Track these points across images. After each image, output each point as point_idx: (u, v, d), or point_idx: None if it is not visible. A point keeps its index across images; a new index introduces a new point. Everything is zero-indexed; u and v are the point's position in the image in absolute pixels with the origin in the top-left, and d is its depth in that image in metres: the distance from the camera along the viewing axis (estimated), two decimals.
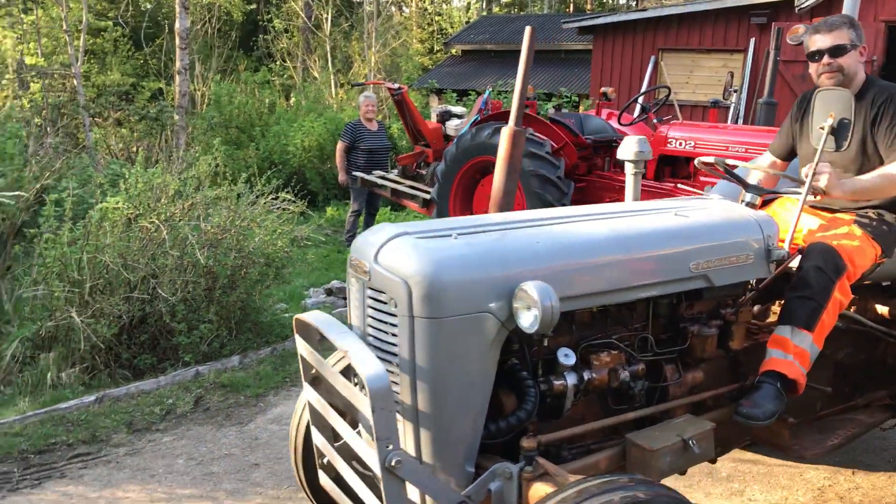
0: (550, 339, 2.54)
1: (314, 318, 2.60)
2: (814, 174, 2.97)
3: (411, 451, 2.41)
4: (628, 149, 3.71)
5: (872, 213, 3.28)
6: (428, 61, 28.19)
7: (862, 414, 3.56)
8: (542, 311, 2.25)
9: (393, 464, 2.24)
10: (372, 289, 2.42)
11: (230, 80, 17.83)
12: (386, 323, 2.39)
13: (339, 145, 9.51)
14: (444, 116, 9.51)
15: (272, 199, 6.57)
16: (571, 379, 2.58)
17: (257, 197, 6.44)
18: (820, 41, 3.32)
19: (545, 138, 7.65)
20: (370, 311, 2.45)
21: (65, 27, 17.10)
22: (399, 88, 9.40)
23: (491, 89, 11.47)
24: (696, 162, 3.34)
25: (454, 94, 16.49)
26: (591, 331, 2.76)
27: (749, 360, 3.10)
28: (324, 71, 23.25)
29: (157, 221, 5.60)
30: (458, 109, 9.84)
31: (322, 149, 13.29)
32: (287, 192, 6.78)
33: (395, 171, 9.68)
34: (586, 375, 2.61)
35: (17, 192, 6.19)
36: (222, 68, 22.49)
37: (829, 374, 3.39)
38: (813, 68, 3.38)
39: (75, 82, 16.65)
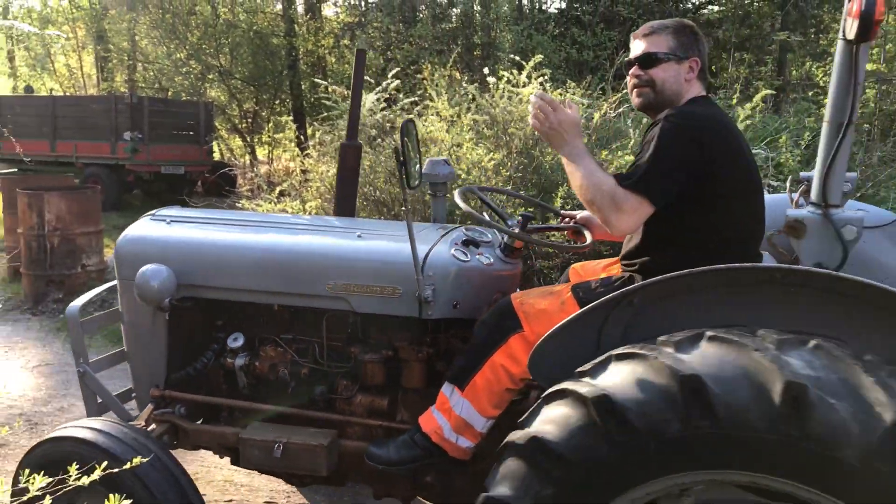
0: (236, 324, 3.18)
1: None
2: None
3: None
4: (425, 170, 3.45)
5: (631, 273, 2.58)
6: None
7: None
8: (136, 285, 2.98)
9: (79, 373, 3.27)
10: None
11: None
12: None
13: None
14: None
15: None
16: (240, 360, 3.11)
17: None
18: (634, 48, 2.70)
19: None
20: None
21: None
22: None
23: None
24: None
25: None
26: (270, 327, 3.16)
27: None
28: None
29: None
30: None
31: None
32: None
33: None
34: (247, 360, 3.11)
35: None
36: None
37: None
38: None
39: None
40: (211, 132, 17.07)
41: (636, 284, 2.12)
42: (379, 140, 7.29)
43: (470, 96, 7.20)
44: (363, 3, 19.00)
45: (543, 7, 17.66)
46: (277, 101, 20.01)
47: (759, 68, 15.37)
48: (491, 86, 7.06)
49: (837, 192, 2.23)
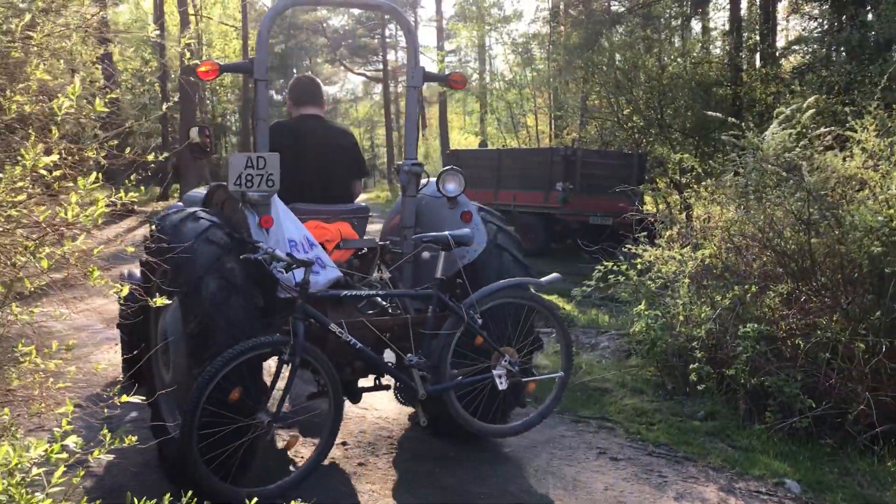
0: None
1: None
2: None
3: None
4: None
5: None
6: None
7: None
8: None
9: None
10: None
11: None
12: None
13: None
14: None
15: None
16: None
17: None
18: None
19: None
20: None
21: None
22: None
23: None
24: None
25: None
26: None
27: None
28: None
29: None
30: None
31: None
32: None
33: None
34: None
35: None
36: None
37: None
38: None
39: None
40: (642, 184, 16.62)
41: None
42: (790, 181, 6.11)
43: None
44: (821, 45, 17.07)
45: None
46: (719, 154, 18.84)
47: None
48: None
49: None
